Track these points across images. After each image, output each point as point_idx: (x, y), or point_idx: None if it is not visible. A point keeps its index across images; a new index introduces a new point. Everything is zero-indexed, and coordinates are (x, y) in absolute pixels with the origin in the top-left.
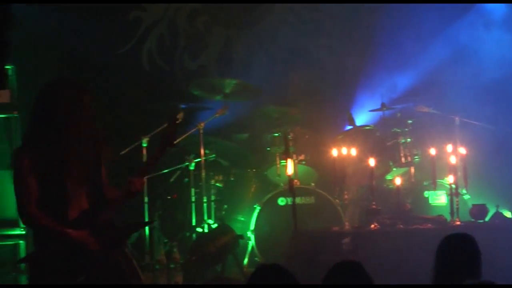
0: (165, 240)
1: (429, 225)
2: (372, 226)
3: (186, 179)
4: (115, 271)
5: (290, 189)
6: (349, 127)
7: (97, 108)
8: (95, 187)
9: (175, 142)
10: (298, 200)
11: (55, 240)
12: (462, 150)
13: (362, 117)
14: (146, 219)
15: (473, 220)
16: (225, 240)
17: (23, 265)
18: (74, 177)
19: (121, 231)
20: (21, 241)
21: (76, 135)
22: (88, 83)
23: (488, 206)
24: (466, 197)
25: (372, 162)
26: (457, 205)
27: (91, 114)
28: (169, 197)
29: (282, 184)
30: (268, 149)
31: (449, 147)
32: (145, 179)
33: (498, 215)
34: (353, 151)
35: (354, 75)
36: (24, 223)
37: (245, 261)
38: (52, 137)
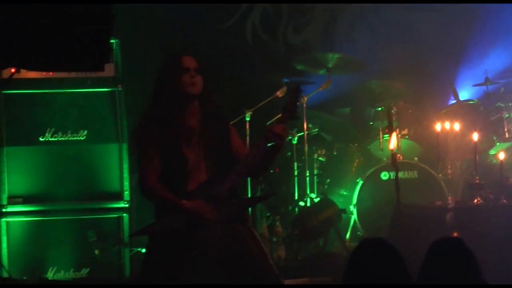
0: (268, 214)
1: None
2: (475, 200)
3: (289, 153)
4: (237, 244)
5: (393, 164)
6: (452, 102)
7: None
8: (217, 160)
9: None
10: (401, 174)
11: (174, 212)
12: None
13: (465, 92)
14: (249, 193)
15: None
16: (328, 214)
17: (127, 238)
18: (194, 150)
19: (238, 204)
20: (124, 214)
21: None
22: (188, 51)
23: None
24: None
25: (475, 136)
26: None
27: (195, 78)
28: (271, 171)
29: (385, 159)
30: (371, 123)
31: None
32: (285, 125)
33: None
34: (457, 126)
35: (458, 49)
36: (143, 195)
37: (347, 235)
38: (169, 110)
